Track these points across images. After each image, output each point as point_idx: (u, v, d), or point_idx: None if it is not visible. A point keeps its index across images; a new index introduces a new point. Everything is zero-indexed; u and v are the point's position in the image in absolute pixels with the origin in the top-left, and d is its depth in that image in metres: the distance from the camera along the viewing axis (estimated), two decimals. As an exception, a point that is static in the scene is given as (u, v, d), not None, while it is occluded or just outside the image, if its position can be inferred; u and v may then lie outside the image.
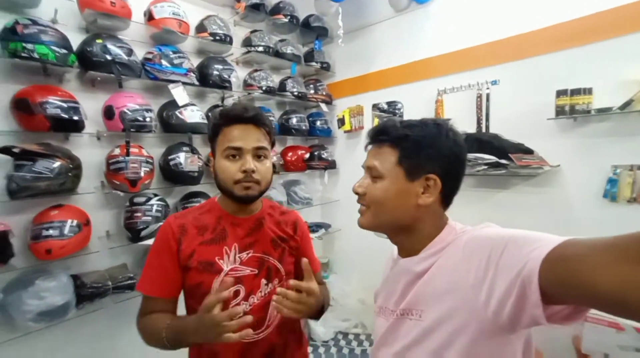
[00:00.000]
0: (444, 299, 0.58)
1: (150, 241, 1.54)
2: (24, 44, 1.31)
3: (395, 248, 0.77)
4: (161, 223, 1.22)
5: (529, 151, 1.66)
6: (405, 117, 2.35)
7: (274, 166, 0.92)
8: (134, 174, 1.53)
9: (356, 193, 0.71)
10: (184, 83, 1.78)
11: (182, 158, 1.74)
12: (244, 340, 0.71)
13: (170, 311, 0.86)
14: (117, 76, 1.54)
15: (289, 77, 2.47)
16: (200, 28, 1.99)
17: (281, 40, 2.43)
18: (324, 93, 2.68)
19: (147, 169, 1.60)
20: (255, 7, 2.20)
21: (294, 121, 2.45)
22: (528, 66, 1.78)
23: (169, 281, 0.84)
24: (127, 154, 1.53)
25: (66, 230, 1.39)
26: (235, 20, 2.26)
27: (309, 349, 2.22)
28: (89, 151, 1.61)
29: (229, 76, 1.99)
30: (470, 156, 1.73)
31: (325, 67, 2.70)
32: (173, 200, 1.89)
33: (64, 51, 1.40)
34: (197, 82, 1.87)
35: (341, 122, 2.69)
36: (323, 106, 2.65)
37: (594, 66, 1.58)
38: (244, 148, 0.82)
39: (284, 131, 2.43)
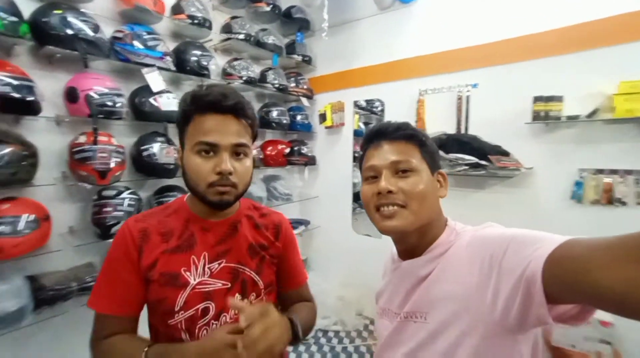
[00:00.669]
0: (449, 301, 0.57)
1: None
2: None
3: (393, 249, 0.76)
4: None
5: (506, 153, 1.74)
6: (387, 117, 2.37)
7: (254, 161, 0.79)
8: (104, 165, 1.39)
9: (389, 192, 0.63)
10: (160, 68, 1.65)
11: (156, 148, 1.61)
12: None
13: (131, 331, 0.71)
14: (81, 54, 1.38)
15: (270, 69, 2.38)
16: (177, 9, 1.85)
17: (262, 30, 2.34)
18: (305, 87, 2.62)
19: (118, 159, 1.46)
20: (237, -8, 2.09)
21: (274, 114, 2.38)
22: (506, 71, 1.86)
23: (129, 297, 0.70)
24: (95, 142, 1.39)
25: (20, 226, 1.23)
26: (214, 4, 2.13)
27: (289, 348, 2.18)
28: (47, 137, 1.43)
29: (208, 63, 1.88)
30: (452, 156, 1.78)
31: (307, 60, 2.64)
32: (146, 193, 1.74)
33: (13, 19, 1.23)
34: (173, 68, 1.74)
35: (322, 117, 2.66)
36: (304, 101, 2.60)
37: (565, 76, 1.69)
38: (220, 144, 0.68)
39: (264, 124, 2.35)
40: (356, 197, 2.58)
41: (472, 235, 0.61)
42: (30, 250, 1.27)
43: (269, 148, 2.40)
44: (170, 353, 0.62)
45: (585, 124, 1.64)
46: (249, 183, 0.76)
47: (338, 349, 2.14)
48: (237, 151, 0.71)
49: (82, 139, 1.40)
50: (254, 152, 2.17)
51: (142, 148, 1.61)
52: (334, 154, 2.67)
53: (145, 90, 1.64)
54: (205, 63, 1.86)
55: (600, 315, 1.30)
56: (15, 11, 1.25)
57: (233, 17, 2.16)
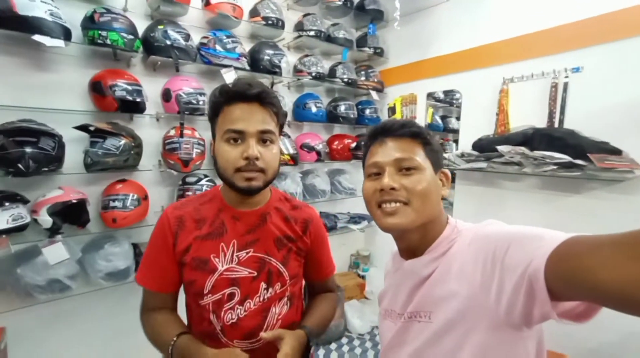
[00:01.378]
0: (453, 300, 0.57)
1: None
2: (99, 32, 1.44)
3: (394, 248, 0.75)
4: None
5: (616, 152, 1.41)
6: (465, 108, 2.16)
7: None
8: (187, 154, 1.63)
9: (392, 189, 0.63)
10: (236, 68, 1.83)
11: (231, 141, 1.80)
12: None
13: (172, 306, 0.82)
14: (174, 60, 1.63)
15: (340, 63, 2.40)
16: (254, 12, 2.01)
17: (333, 25, 2.36)
18: (376, 80, 2.56)
19: (199, 150, 1.69)
20: (309, -10, 2.15)
21: (342, 108, 2.40)
22: (623, 49, 1.49)
23: (166, 277, 0.79)
24: (181, 135, 1.63)
25: (128, 203, 1.54)
26: (288, 4, 2.25)
27: (344, 340, 2.23)
28: (149, 131, 1.74)
29: (280, 61, 2.00)
30: (538, 153, 1.53)
31: (379, 52, 2.57)
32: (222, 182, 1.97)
33: (131, 37, 1.51)
34: (248, 67, 1.90)
35: (392, 111, 2.57)
36: (374, 94, 2.54)
37: None
38: (246, 131, 0.71)
39: (331, 118, 2.39)
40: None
41: (474, 232, 0.60)
42: (134, 222, 1.58)
43: (335, 142, 2.44)
44: (192, 353, 0.69)
45: None
46: (277, 169, 0.78)
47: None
48: (264, 138, 0.73)
49: (172, 132, 1.67)
50: (319, 146, 2.25)
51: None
52: (403, 149, 2.56)
53: (224, 89, 1.83)
54: (277, 61, 1.99)
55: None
56: (133, 31, 1.53)
57: (305, 15, 2.24)
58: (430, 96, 2.40)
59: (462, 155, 1.92)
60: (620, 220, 1.49)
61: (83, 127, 1.45)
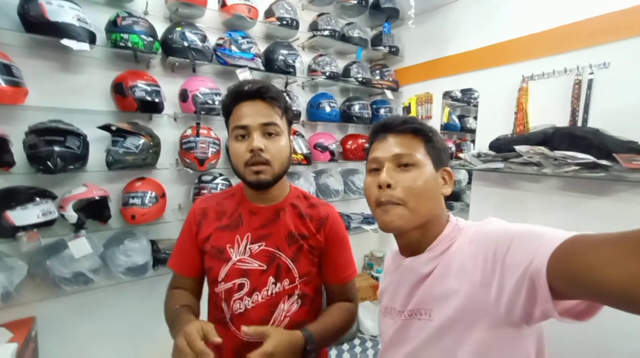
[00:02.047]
0: (453, 298, 0.57)
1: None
2: (122, 35, 1.49)
3: (394, 246, 0.75)
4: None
5: (646, 152, 1.34)
6: (482, 107, 2.11)
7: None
8: (203, 153, 1.67)
9: (387, 186, 0.62)
10: (251, 68, 1.85)
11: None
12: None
13: (192, 289, 0.87)
14: (191, 61, 1.67)
15: (354, 63, 2.39)
16: (269, 13, 2.03)
17: (348, 24, 2.36)
18: (390, 79, 2.54)
19: (214, 150, 1.73)
20: (324, -11, 2.16)
21: (356, 108, 2.39)
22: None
23: (190, 262, 0.86)
24: (197, 134, 1.67)
25: (146, 200, 1.59)
26: (303, 4, 2.26)
27: (357, 341, 2.23)
28: (167, 130, 1.79)
29: (294, 61, 2.01)
30: (558, 153, 1.47)
31: (394, 51, 2.55)
32: (237, 181, 2.00)
33: (151, 39, 1.56)
34: (262, 67, 1.93)
35: (407, 110, 2.54)
36: (388, 93, 2.52)
37: None
38: (250, 125, 0.74)
39: (345, 118, 2.39)
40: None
41: (475, 231, 0.60)
42: (152, 219, 1.63)
43: (349, 142, 2.43)
44: (178, 321, 0.71)
45: None
46: (287, 163, 0.80)
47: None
48: (268, 131, 0.76)
49: (189, 132, 1.71)
50: (333, 146, 2.25)
51: (235, 140, 1.85)
52: (418, 149, 2.52)
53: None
54: (291, 61, 2.00)
55: None
56: (152, 33, 1.59)
57: (320, 14, 2.25)
58: (447, 95, 2.36)
59: (478, 155, 1.87)
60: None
61: (105, 127, 1.51)
